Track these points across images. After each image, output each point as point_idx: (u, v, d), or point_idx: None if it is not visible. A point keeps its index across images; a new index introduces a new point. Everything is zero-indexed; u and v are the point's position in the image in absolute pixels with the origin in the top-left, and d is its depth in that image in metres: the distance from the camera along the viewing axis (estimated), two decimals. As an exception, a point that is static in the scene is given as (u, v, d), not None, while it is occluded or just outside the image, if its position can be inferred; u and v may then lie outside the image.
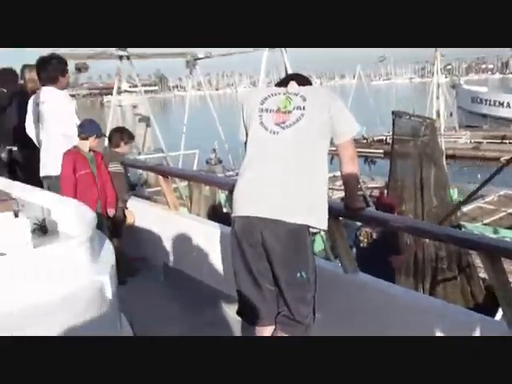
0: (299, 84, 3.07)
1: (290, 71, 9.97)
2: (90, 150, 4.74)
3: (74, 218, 2.13)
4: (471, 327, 2.72)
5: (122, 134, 5.81)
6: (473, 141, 30.79)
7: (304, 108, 2.90)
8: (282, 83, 3.15)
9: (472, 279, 8.48)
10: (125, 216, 5.34)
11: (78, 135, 4.66)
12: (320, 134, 2.91)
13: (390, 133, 10.82)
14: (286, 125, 2.89)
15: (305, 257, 2.89)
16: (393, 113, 8.95)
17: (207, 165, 16.66)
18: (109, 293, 1.71)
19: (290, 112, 2.91)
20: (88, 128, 4.70)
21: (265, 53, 12.08)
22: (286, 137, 2.88)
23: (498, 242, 3.17)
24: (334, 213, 3.07)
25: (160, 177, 5.38)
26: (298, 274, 2.84)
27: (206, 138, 18.21)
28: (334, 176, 3.03)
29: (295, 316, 2.89)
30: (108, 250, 2.00)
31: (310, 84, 3.23)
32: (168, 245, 5.06)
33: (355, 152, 3.08)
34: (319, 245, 8.81)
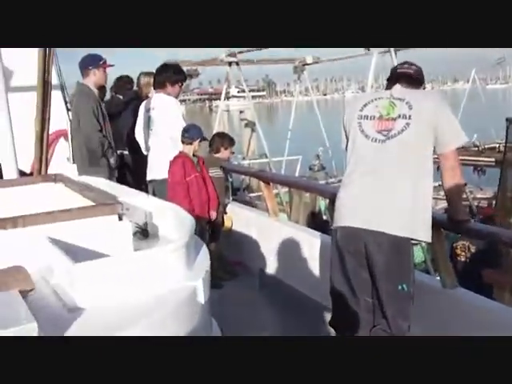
0: (406, 85, 2.98)
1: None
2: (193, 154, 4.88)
3: (174, 222, 2.19)
4: None
5: (222, 140, 5.90)
6: None
7: (410, 117, 2.81)
8: (389, 80, 3.08)
9: None
10: (223, 220, 5.44)
11: (183, 140, 4.80)
12: (425, 145, 2.83)
13: (504, 140, 10.31)
14: (390, 134, 2.82)
15: (407, 269, 2.84)
16: (507, 119, 8.56)
17: (310, 171, 16.61)
18: (201, 299, 1.73)
19: (393, 119, 2.84)
20: (193, 132, 4.83)
21: (373, 57, 11.84)
22: (390, 147, 2.82)
23: None
24: (435, 224, 2.97)
25: (262, 183, 5.43)
26: (400, 287, 2.80)
27: (311, 144, 18.17)
28: (439, 185, 2.91)
29: (392, 329, 2.83)
30: (204, 255, 2.03)
31: (420, 81, 3.11)
32: (266, 251, 5.09)
33: (457, 162, 2.96)
34: (419, 256, 8.53)
